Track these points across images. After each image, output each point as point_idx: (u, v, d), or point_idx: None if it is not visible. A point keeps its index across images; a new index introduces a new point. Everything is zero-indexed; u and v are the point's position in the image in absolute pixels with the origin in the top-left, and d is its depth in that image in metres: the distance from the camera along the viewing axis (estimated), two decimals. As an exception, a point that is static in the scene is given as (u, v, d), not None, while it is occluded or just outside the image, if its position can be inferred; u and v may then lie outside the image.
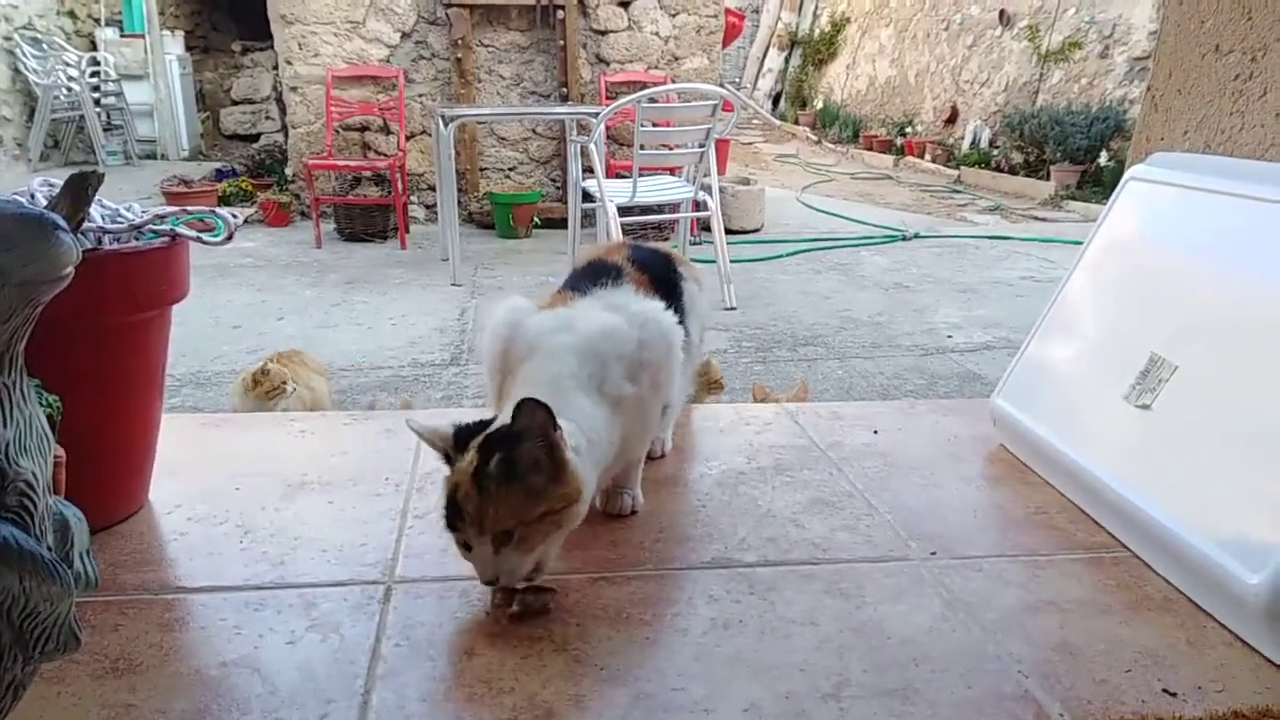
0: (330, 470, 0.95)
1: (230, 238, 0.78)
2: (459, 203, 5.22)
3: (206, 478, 0.92)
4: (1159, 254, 0.94)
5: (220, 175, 6.89)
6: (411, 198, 6.20)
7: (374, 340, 4.00)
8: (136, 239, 0.79)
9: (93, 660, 0.63)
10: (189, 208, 0.78)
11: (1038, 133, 8.07)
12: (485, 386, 3.60)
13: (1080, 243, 4.66)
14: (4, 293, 0.53)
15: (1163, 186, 0.98)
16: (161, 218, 0.78)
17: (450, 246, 4.96)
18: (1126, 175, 1.01)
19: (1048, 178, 7.89)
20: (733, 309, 4.45)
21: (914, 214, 7.20)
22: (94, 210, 0.81)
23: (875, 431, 1.08)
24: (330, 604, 0.72)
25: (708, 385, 3.17)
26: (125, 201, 0.83)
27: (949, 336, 4.16)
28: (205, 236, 0.77)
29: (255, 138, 8.69)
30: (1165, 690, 0.65)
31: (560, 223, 5.34)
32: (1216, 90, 1.08)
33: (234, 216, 0.80)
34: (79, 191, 0.57)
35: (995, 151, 8.68)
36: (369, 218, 5.85)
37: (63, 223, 0.55)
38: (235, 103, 9.37)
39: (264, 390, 3.00)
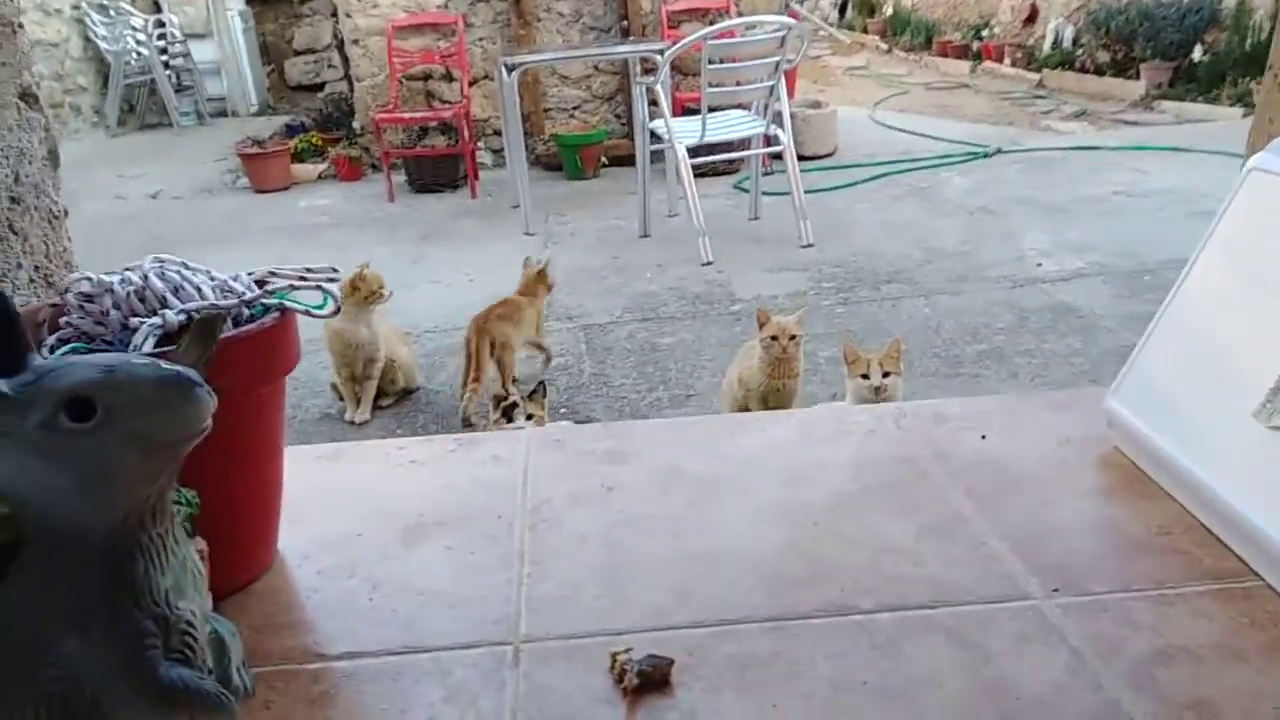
0: (443, 508, 0.97)
1: (337, 311, 0.80)
2: (525, 146, 5.20)
3: (329, 522, 0.95)
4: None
5: (290, 130, 6.97)
6: (478, 144, 6.19)
7: (453, 298, 4.05)
8: (247, 310, 0.81)
9: (250, 748, 0.67)
10: (295, 282, 0.79)
11: (1125, 28, 7.62)
12: (566, 344, 3.58)
13: (1176, 149, 4.44)
14: (151, 456, 0.54)
15: (1289, 179, 0.92)
16: (270, 291, 0.79)
17: (521, 194, 4.95)
18: (1247, 166, 0.95)
19: (1137, 77, 7.47)
20: (809, 245, 4.37)
21: (994, 126, 6.92)
22: (204, 285, 0.82)
23: (983, 436, 1.06)
24: (463, 671, 0.74)
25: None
26: (233, 270, 0.84)
27: (1038, 265, 4.02)
28: (313, 310, 0.79)
29: (320, 87, 8.73)
30: (1316, 756, 0.64)
31: (628, 159, 5.27)
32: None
33: (337, 290, 0.81)
34: (207, 335, 0.58)
35: (1079, 51, 8.23)
36: (438, 168, 5.88)
37: (198, 378, 0.56)
38: (298, 53, 9.39)
39: (362, 296, 3.10)
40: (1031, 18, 9.17)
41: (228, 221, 5.51)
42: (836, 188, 5.29)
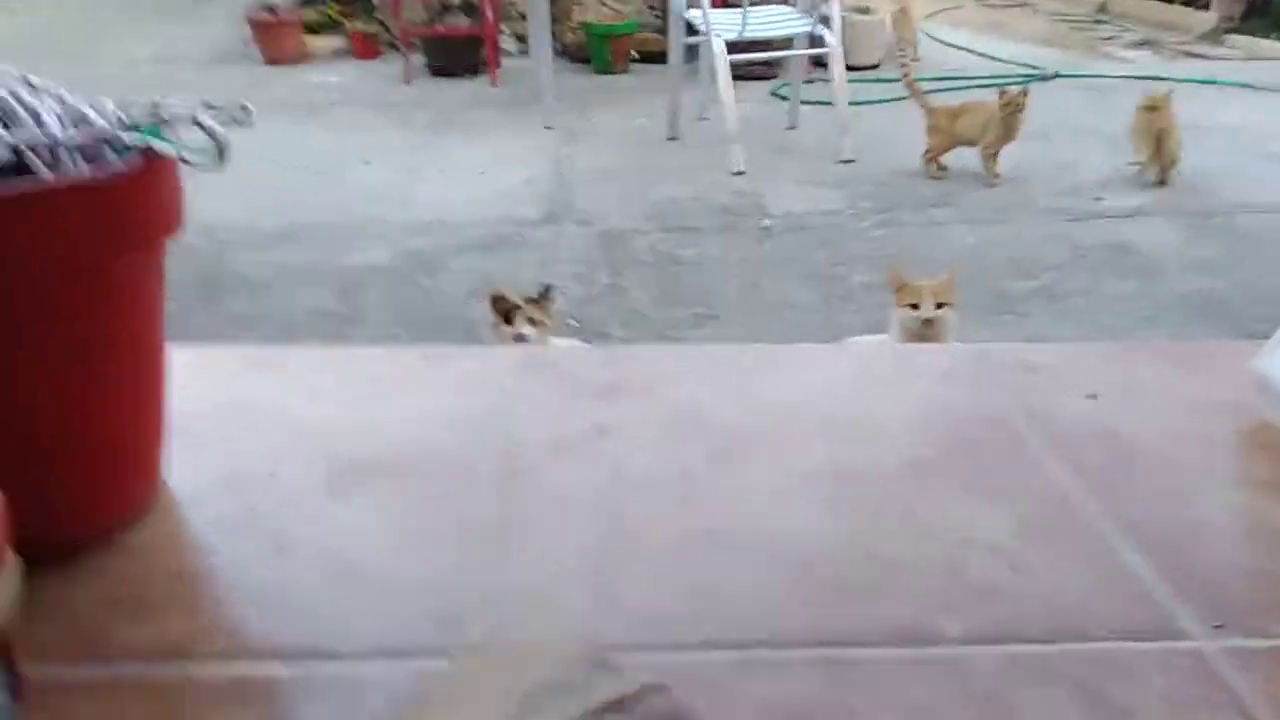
0: (388, 446, 0.73)
1: (222, 154, 0.54)
2: (552, 33, 4.82)
3: (239, 453, 0.72)
4: None
5: (307, 2, 6.57)
6: (502, 27, 5.81)
7: (462, 191, 3.78)
8: (110, 150, 0.55)
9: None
10: (164, 113, 0.53)
11: (1204, -49, 7.08)
12: (582, 251, 3.32)
13: (1246, 85, 4.06)
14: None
15: None
16: (132, 126, 0.53)
17: (544, 86, 4.61)
18: None
19: (1207, 7, 6.96)
20: (850, 161, 4.05)
21: (1052, 49, 6.47)
22: (45, 113, 0.57)
23: (1093, 396, 0.80)
24: (382, 693, 0.51)
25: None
26: (107, 91, 0.59)
27: (1096, 199, 3.70)
28: (190, 156, 0.53)
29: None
30: None
31: (661, 56, 4.90)
32: None
33: (241, 115, 0.55)
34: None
35: (1151, -27, 7.68)
36: (458, 51, 5.52)
37: None
38: (319, -80, 8.88)
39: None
40: (1102, -67, 8.55)
41: (233, 93, 5.19)
42: (881, 101, 4.92)
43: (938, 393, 0.89)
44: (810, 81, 4.69)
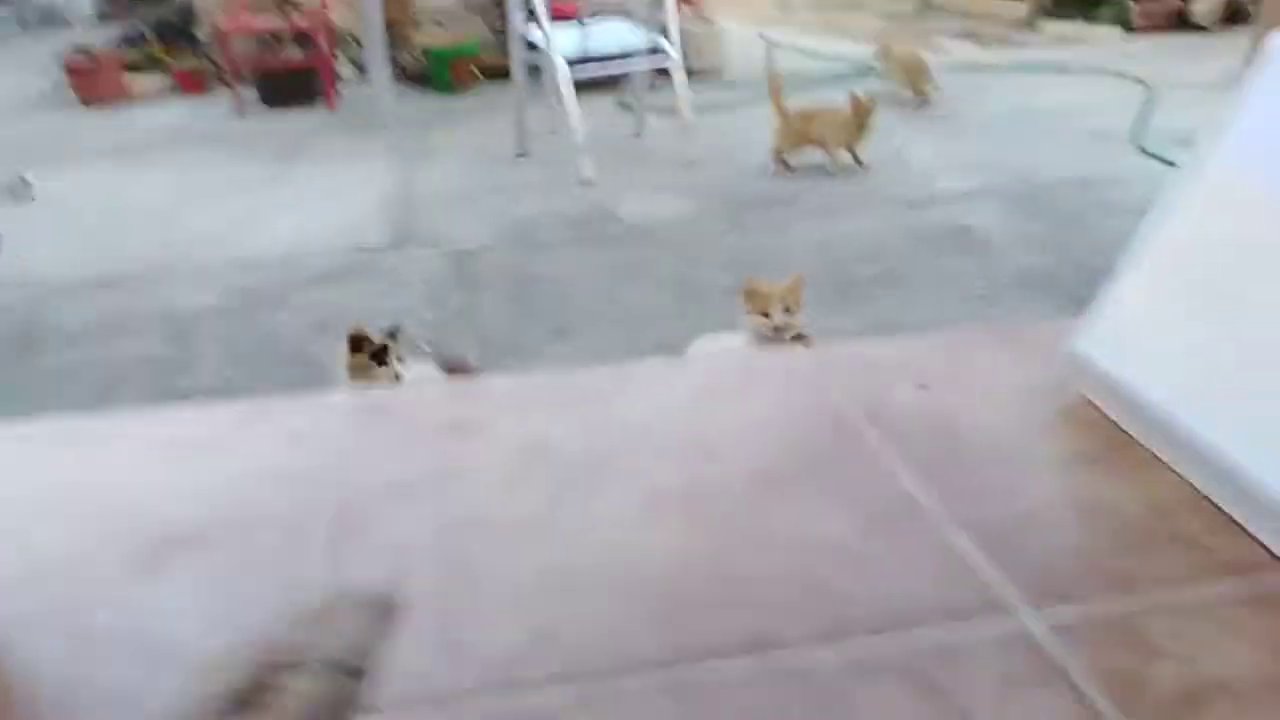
0: (209, 513, 0.69)
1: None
2: (391, 59, 4.72)
3: (35, 544, 0.66)
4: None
5: (127, 41, 6.23)
6: (338, 55, 5.65)
7: (305, 222, 3.65)
8: None
9: None
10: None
11: (1009, -53, 7.53)
12: (431, 274, 3.23)
13: (1060, 70, 4.34)
14: None
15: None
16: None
17: (385, 112, 4.50)
18: (1271, 48, 0.72)
19: (1020, -3, 7.41)
20: (696, 165, 4.11)
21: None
22: None
23: (924, 386, 0.83)
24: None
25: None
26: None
27: (933, 185, 3.87)
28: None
29: (164, -5, 7.88)
30: None
31: (504, 74, 4.86)
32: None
33: (20, 188, 0.50)
34: None
35: (964, -31, 8.12)
36: (293, 81, 5.34)
37: None
38: (135, -46, 8.46)
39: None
40: (917, -66, 8.99)
41: (53, 139, 4.88)
42: (723, 108, 5.02)
43: (780, 399, 0.89)
44: (654, 89, 4.75)
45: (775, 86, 4.02)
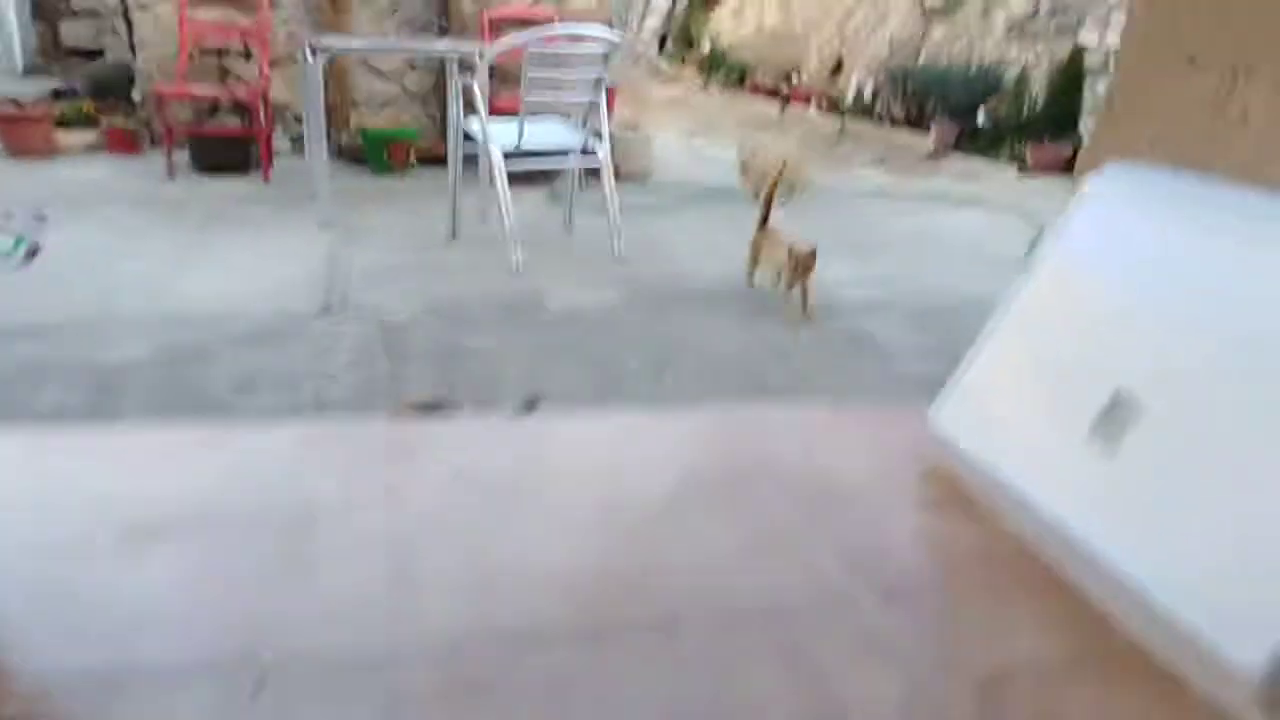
0: (178, 509, 0.78)
1: (33, 255, 0.60)
2: (328, 135, 4.87)
3: (14, 529, 0.74)
4: (1120, 280, 0.86)
5: (59, 96, 6.25)
6: (276, 128, 5.77)
7: (235, 285, 3.71)
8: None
9: None
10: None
11: (920, 88, 8.18)
12: (361, 341, 3.32)
13: (961, 200, 4.74)
14: None
15: (1122, 204, 0.90)
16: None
17: (319, 184, 4.63)
18: (1084, 187, 0.92)
19: (929, 131, 8.02)
20: (623, 261, 4.32)
21: (798, 165, 7.18)
22: None
23: (808, 448, 0.98)
24: (189, 701, 0.57)
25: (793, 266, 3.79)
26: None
27: (840, 294, 4.14)
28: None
29: (99, 53, 7.93)
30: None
31: (439, 161, 5.05)
32: (1190, 106, 1.00)
33: (39, 221, 0.62)
34: None
35: (879, 104, 8.76)
36: (228, 149, 5.42)
37: None
38: (75, 13, 8.52)
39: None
40: (838, 69, 9.68)
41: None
42: (651, 209, 5.29)
43: (685, 449, 1.04)
44: (585, 189, 4.99)
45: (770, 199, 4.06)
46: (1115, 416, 0.84)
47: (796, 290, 3.75)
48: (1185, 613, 0.70)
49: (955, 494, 0.96)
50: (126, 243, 4.19)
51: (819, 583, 0.78)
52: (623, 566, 0.78)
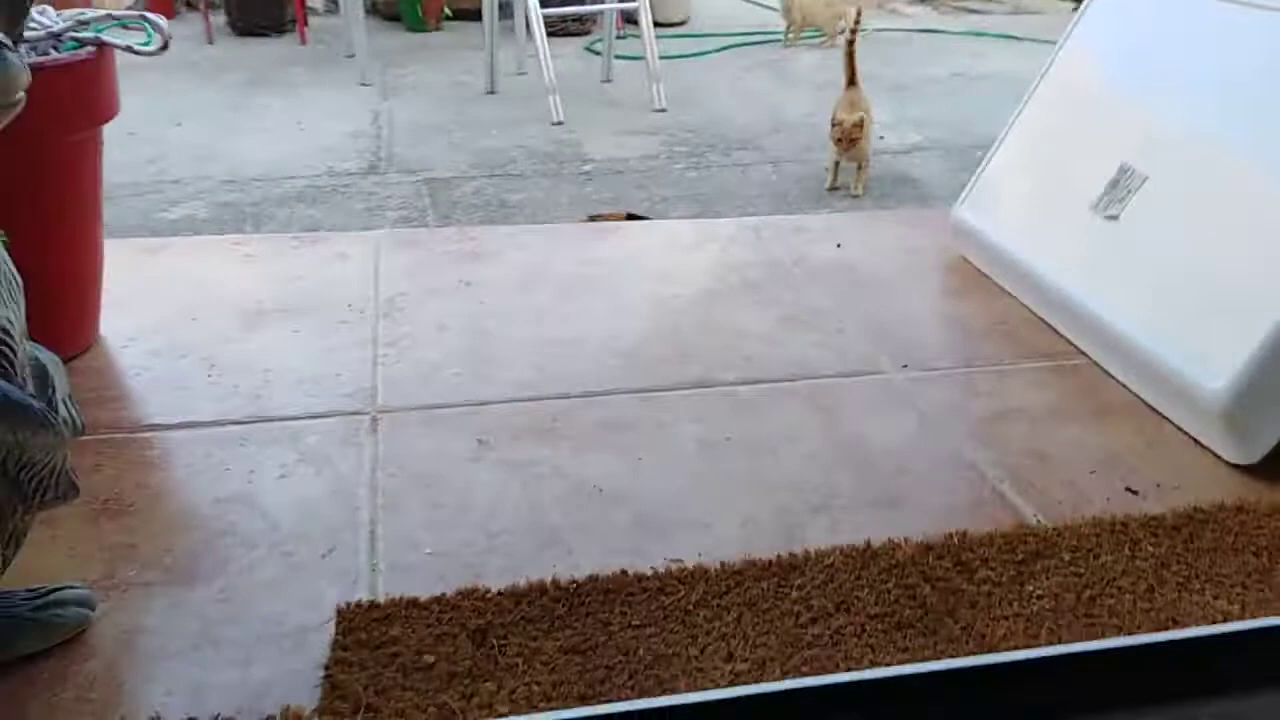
0: (286, 297, 0.91)
1: (165, 47, 0.71)
2: (363, -7, 4.84)
3: (158, 308, 0.88)
4: (1130, 62, 0.93)
5: (89, -40, 6.22)
6: (309, -13, 5.70)
7: (284, 147, 3.78)
8: (55, 49, 0.71)
9: (82, 504, 0.61)
10: (114, 11, 0.70)
11: (969, -83, 7.76)
12: (408, 197, 3.43)
13: (1010, 37, 4.60)
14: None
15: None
16: (84, 23, 0.69)
17: (356, 42, 4.63)
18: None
19: (976, -33, 7.64)
20: (663, 110, 4.31)
21: (843, 3, 6.95)
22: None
23: (839, 245, 1.08)
24: (316, 436, 0.70)
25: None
26: (38, 4, 0.74)
27: (880, 138, 4.11)
28: (135, 45, 0.70)
29: (123, -84, 7.79)
30: (1128, 489, 0.70)
31: (475, 14, 5.00)
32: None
33: (164, 22, 0.72)
34: (17, 4, 0.50)
35: (925, -63, 8.34)
36: (263, 9, 5.38)
37: (6, 40, 0.48)
38: (95, -126, 8.33)
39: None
40: (881, -99, 9.18)
41: (17, 56, 4.92)
42: (689, 55, 5.21)
43: (727, 249, 1.14)
44: (622, 37, 4.92)
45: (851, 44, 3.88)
46: (1119, 187, 0.92)
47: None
48: (1163, 353, 0.80)
49: (973, 280, 1.05)
50: (172, 108, 4.27)
51: (843, 351, 0.89)
52: (669, 341, 0.89)
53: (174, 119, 4.08)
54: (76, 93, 0.70)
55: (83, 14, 0.74)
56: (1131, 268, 0.83)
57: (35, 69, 0.65)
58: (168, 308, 0.88)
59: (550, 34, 4.17)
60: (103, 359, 0.80)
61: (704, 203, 3.35)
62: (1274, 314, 0.69)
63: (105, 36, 0.71)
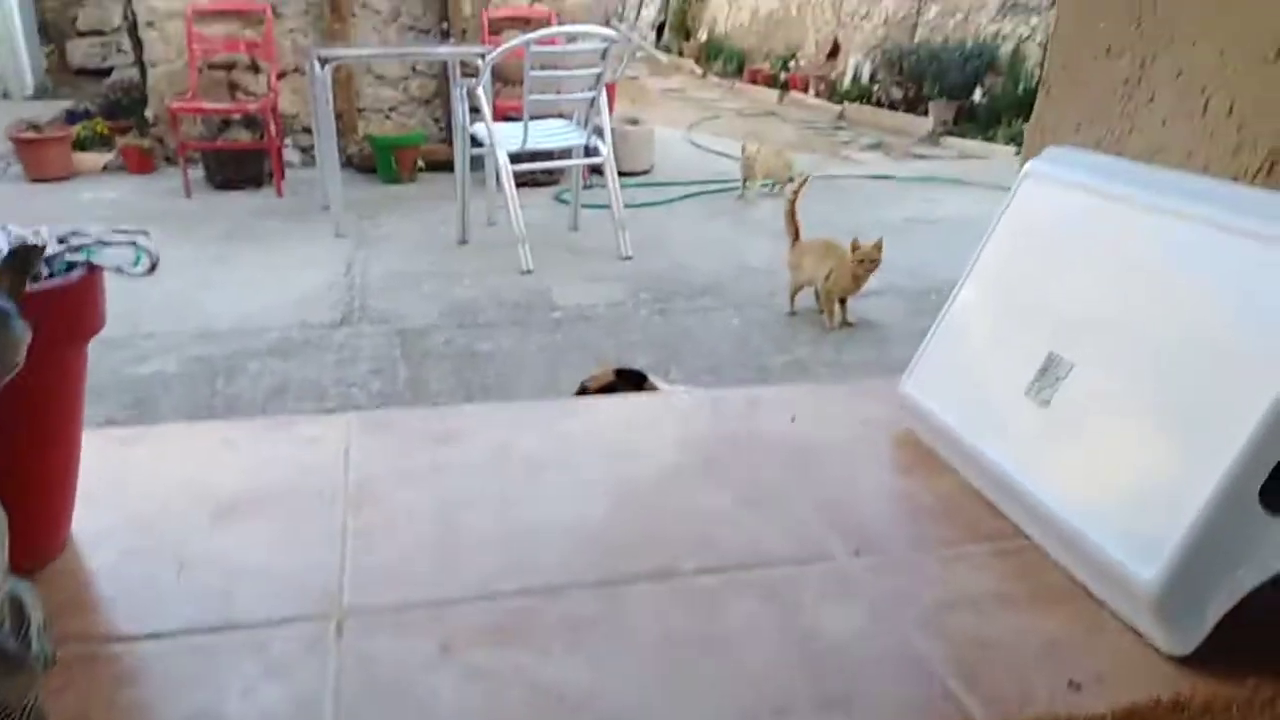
0: (258, 486, 0.94)
1: (154, 268, 0.76)
2: (338, 146, 5.03)
3: (131, 504, 0.90)
4: (1054, 251, 1.01)
5: (72, 117, 6.43)
6: (286, 140, 5.93)
7: (258, 299, 3.86)
8: (48, 267, 0.76)
9: (47, 731, 0.62)
10: (105, 238, 0.75)
11: (916, 69, 8.27)
12: (380, 348, 3.47)
13: (959, 181, 4.88)
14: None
15: (1056, 183, 1.05)
16: (75, 247, 0.74)
17: (332, 195, 4.79)
18: (1024, 169, 1.07)
19: (926, 114, 8.11)
20: (628, 258, 4.46)
21: (800, 153, 7.28)
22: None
23: (793, 419, 1.13)
24: (282, 645, 0.72)
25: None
26: (32, 224, 0.79)
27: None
28: (125, 267, 0.75)
29: (107, 72, 8.10)
30: (1071, 681, 0.73)
31: (446, 165, 5.20)
32: (1107, 91, 1.15)
33: (153, 244, 0.77)
34: (23, 266, 0.55)
35: (876, 86, 8.86)
36: (241, 164, 5.58)
37: (12, 308, 0.53)
38: (81, 34, 8.70)
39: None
40: (834, 53, 9.78)
41: (1, 212, 5.02)
42: (653, 204, 5.44)
43: (685, 425, 1.18)
44: (589, 187, 5.14)
45: (792, 210, 3.96)
46: (1047, 374, 0.98)
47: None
48: (1098, 540, 0.84)
49: (920, 455, 1.10)
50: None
51: (799, 535, 0.92)
52: (630, 526, 0.92)
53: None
54: (67, 314, 0.74)
55: (75, 234, 0.79)
56: (1067, 453, 0.88)
57: (34, 296, 0.70)
58: (139, 502, 0.90)
59: (520, 184, 4.35)
60: (74, 561, 0.81)
61: (670, 349, 3.45)
62: (1200, 501, 0.74)
63: (96, 259, 0.76)
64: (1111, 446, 0.88)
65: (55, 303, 0.74)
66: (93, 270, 0.78)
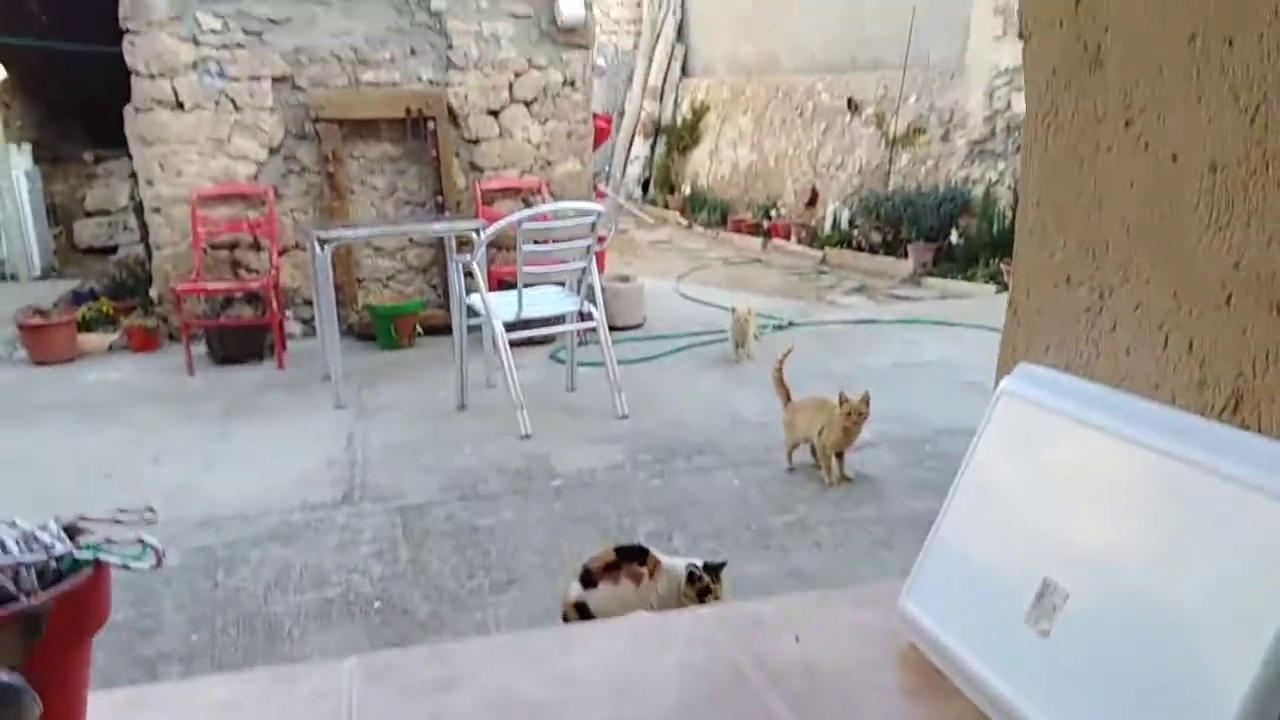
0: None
1: (159, 563, 0.78)
2: (338, 316, 5.16)
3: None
4: (1037, 473, 1.04)
5: (78, 298, 6.60)
6: (287, 313, 6.07)
7: (259, 480, 3.88)
8: (54, 564, 0.78)
9: None
10: (112, 535, 0.78)
11: (892, 214, 8.57)
12: (380, 528, 3.47)
13: (942, 322, 4.97)
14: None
15: (1031, 404, 1.09)
16: (82, 545, 0.77)
17: (332, 366, 4.87)
18: (999, 388, 1.11)
19: (906, 256, 8.34)
20: (625, 417, 4.51)
21: (785, 299, 7.46)
22: (5, 537, 0.79)
23: (797, 639, 1.13)
24: None
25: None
26: (40, 519, 0.81)
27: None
28: (131, 563, 0.77)
29: (113, 249, 8.37)
30: None
31: (444, 329, 5.32)
32: (1070, 318, 1.20)
33: (158, 543, 0.80)
34: (31, 631, 0.57)
35: (855, 231, 9.15)
36: (243, 339, 5.70)
37: (23, 684, 0.55)
38: (89, 214, 9.02)
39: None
40: (813, 200, 10.14)
41: (7, 398, 5.09)
42: (647, 359, 5.53)
43: (688, 652, 1.18)
44: (584, 344, 5.24)
45: (779, 375, 4.04)
46: (1044, 601, 1.00)
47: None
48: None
49: (926, 676, 1.10)
50: (152, 445, 4.39)
51: (807, 779, 0.93)
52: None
53: (152, 456, 4.19)
54: (72, 612, 0.76)
55: (82, 519, 0.81)
56: (1070, 685, 0.89)
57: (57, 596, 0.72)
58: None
59: (515, 345, 4.44)
60: None
61: (671, 514, 3.45)
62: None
63: (103, 556, 0.78)
64: (1114, 679, 0.88)
65: (63, 607, 0.76)
66: (99, 569, 0.80)
